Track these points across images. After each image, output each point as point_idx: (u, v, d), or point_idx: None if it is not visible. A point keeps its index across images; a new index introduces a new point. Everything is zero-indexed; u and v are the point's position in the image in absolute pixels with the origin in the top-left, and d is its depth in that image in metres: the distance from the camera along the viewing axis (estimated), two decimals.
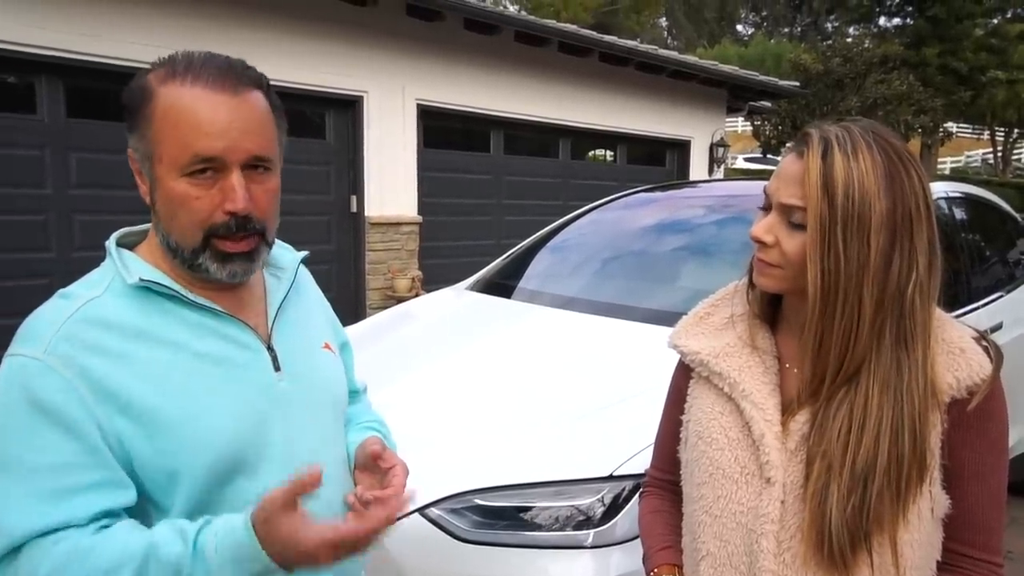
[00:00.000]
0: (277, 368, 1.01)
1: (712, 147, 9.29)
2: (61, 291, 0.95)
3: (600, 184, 7.78)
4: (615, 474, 1.70)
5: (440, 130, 6.83)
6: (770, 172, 1.03)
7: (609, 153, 8.84)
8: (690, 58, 8.64)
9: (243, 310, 1.01)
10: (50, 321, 0.90)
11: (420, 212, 6.56)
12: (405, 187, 6.43)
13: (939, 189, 3.05)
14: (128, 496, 0.89)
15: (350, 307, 6.12)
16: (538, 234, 3.56)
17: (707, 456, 1.03)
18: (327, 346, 1.14)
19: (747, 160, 21.84)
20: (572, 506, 1.69)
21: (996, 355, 0.95)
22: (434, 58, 6.47)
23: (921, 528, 0.92)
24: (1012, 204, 4.14)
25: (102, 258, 1.00)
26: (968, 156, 28.29)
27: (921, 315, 0.92)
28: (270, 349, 1.02)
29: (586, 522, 1.68)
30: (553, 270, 3.21)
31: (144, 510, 0.92)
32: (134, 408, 0.89)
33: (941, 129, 19.28)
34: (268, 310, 1.05)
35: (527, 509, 1.70)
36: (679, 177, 8.94)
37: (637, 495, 1.36)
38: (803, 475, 0.94)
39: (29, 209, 4.66)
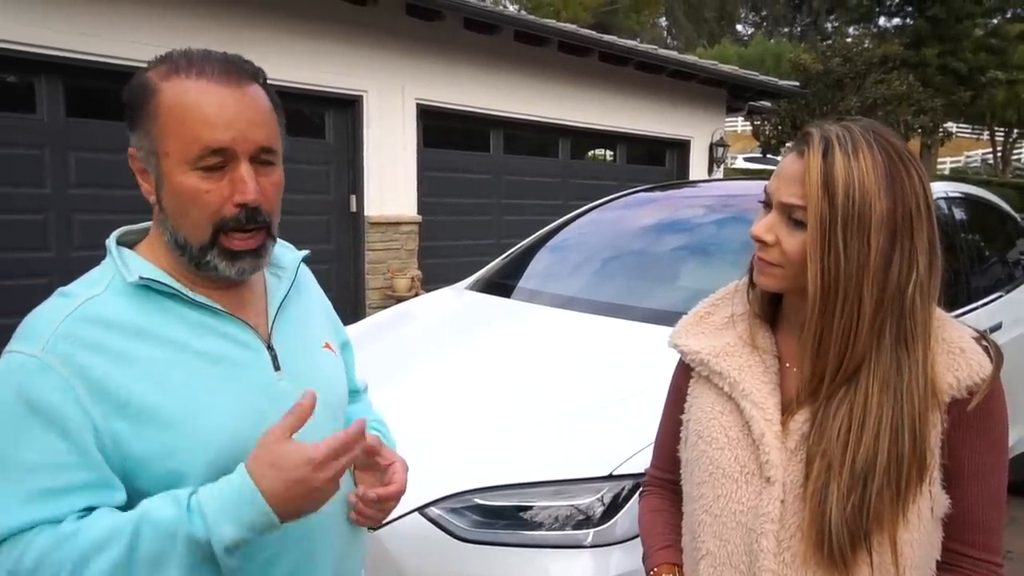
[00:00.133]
0: (277, 367, 1.01)
1: (712, 147, 9.30)
2: (61, 289, 0.95)
3: (600, 184, 7.78)
4: (615, 473, 1.70)
5: (440, 130, 6.83)
6: (770, 172, 1.03)
7: (609, 153, 8.85)
8: (690, 58, 8.64)
9: (243, 309, 1.01)
10: (49, 319, 0.89)
11: (420, 212, 6.55)
12: (405, 187, 6.43)
13: (939, 189, 3.05)
14: (116, 499, 0.89)
15: (349, 307, 6.12)
16: (538, 234, 3.56)
17: (707, 455, 1.03)
18: (328, 346, 1.14)
19: (747, 160, 21.85)
20: (572, 505, 1.69)
21: (996, 355, 0.95)
22: (434, 58, 6.47)
23: (921, 527, 0.92)
24: (1012, 204, 4.14)
25: (101, 257, 0.99)
26: (968, 156, 28.31)
27: (921, 315, 0.92)
28: (270, 348, 1.02)
29: (586, 521, 1.68)
30: (553, 270, 3.21)
31: None
32: (133, 407, 0.88)
33: (941, 129, 19.29)
34: (268, 309, 1.05)
35: (527, 508, 1.70)
36: (679, 177, 8.94)
37: (637, 494, 1.36)
38: (803, 474, 0.94)
39: (28, 208, 4.66)
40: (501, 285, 3.09)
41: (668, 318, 1.31)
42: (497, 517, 1.70)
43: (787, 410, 0.99)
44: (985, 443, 0.94)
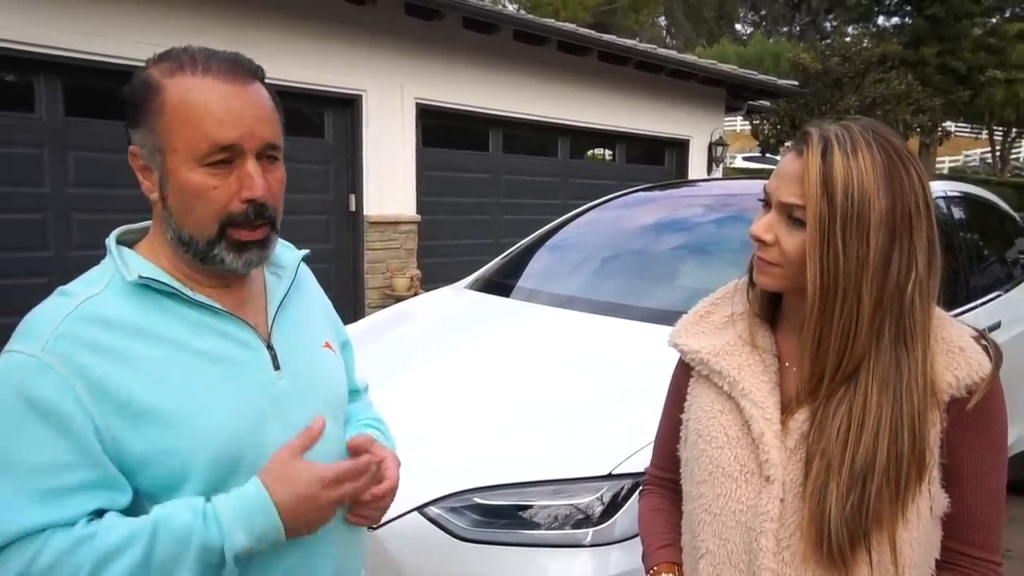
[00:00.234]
0: (277, 367, 1.01)
1: (711, 146, 9.30)
2: (60, 288, 0.95)
3: (599, 183, 7.78)
4: (614, 473, 1.70)
5: (439, 129, 6.83)
6: (769, 171, 1.03)
7: (608, 152, 8.84)
8: (689, 57, 8.64)
9: (243, 308, 1.01)
10: (49, 319, 0.89)
11: (419, 211, 6.55)
12: (404, 186, 6.42)
13: (938, 188, 3.05)
14: (122, 498, 0.89)
15: (349, 306, 6.12)
16: (537, 233, 3.56)
17: (707, 454, 1.03)
18: (328, 345, 1.14)
19: (746, 159, 21.87)
20: (571, 505, 1.69)
21: (995, 354, 0.95)
22: (433, 57, 6.47)
23: (920, 526, 0.92)
24: (1010, 203, 4.14)
25: (100, 256, 0.99)
26: (966, 155, 28.33)
27: (920, 314, 0.92)
28: (270, 348, 1.02)
29: (585, 521, 1.68)
30: (552, 269, 3.21)
31: (144, 510, 0.92)
32: (132, 406, 0.88)
33: (939, 128, 19.30)
34: (268, 308, 1.05)
35: (526, 508, 1.70)
36: (678, 176, 8.95)
37: (636, 493, 1.36)
38: (802, 473, 0.94)
39: (27, 208, 4.66)
40: (500, 284, 3.09)
41: (667, 317, 1.31)
42: (496, 516, 1.70)
43: (787, 409, 0.99)
44: (984, 442, 0.94)
